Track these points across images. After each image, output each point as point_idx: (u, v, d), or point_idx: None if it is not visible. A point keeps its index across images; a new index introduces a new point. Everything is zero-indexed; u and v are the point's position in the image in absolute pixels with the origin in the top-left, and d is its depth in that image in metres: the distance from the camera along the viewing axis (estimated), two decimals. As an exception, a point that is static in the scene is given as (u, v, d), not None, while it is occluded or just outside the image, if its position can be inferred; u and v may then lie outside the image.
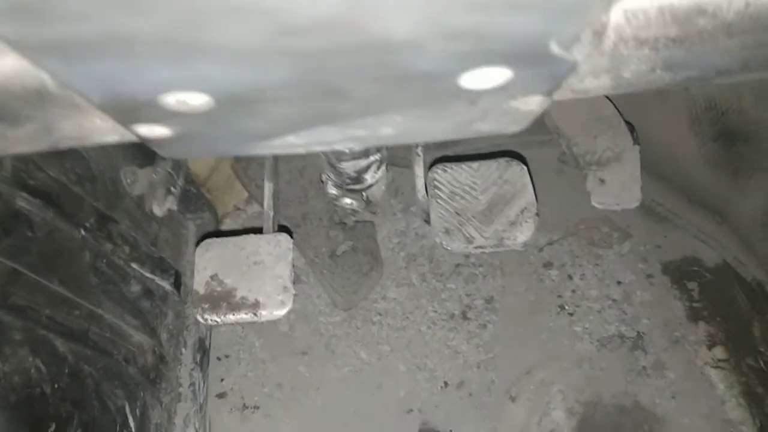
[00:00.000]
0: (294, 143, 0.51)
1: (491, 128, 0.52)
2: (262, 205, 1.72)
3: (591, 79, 0.54)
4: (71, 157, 1.20)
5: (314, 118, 0.46)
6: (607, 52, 0.48)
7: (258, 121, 0.45)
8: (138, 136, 0.46)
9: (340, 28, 0.32)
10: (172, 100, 0.39)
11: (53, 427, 0.98)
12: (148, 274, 1.36)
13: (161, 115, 0.42)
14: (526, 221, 1.21)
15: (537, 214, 1.22)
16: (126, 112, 0.41)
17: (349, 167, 1.11)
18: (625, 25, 0.46)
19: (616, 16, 0.45)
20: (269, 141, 0.50)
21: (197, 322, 1.52)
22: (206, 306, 1.10)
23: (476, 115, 0.48)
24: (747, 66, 0.53)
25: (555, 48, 0.37)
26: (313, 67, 0.36)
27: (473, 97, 0.44)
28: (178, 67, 0.34)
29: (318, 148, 0.55)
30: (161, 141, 0.47)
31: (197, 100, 0.39)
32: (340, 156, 1.06)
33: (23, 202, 1.05)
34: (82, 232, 1.17)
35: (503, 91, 0.43)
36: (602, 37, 0.43)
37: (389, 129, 0.50)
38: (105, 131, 0.53)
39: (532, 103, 0.48)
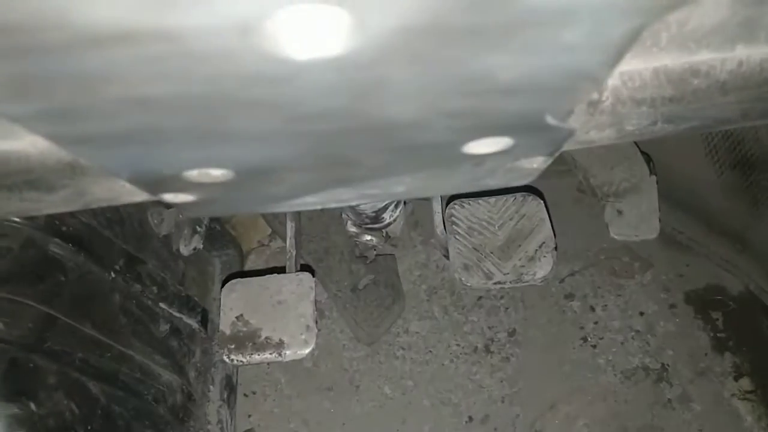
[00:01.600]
0: (311, 202, 0.53)
1: (500, 182, 0.54)
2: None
3: (595, 132, 0.56)
4: (101, 202, 1.24)
5: (329, 182, 0.49)
6: (607, 110, 0.50)
7: (276, 186, 0.48)
8: (164, 201, 0.49)
9: (347, 116, 0.34)
10: (195, 173, 0.42)
11: (86, 468, 1.00)
12: (176, 313, 1.40)
13: (185, 186, 0.45)
14: (544, 256, 1.22)
15: (555, 249, 1.24)
16: (152, 184, 0.44)
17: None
18: (622, 88, 0.48)
19: (612, 79, 0.47)
20: (287, 201, 0.53)
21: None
22: (232, 347, 1.13)
23: (483, 173, 0.51)
24: (747, 116, 0.55)
25: (551, 120, 0.39)
26: (324, 143, 0.39)
27: (478, 160, 0.46)
28: (199, 149, 0.37)
29: (334, 205, 0.57)
30: (186, 205, 0.50)
31: (218, 172, 0.42)
32: (358, 200, 1.09)
33: (56, 247, 1.09)
34: (112, 274, 1.21)
35: (507, 154, 0.46)
36: (597, 105, 0.45)
37: (401, 187, 0.53)
38: (134, 193, 0.56)
39: (537, 162, 0.50)
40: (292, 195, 0.51)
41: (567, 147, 0.59)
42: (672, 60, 0.48)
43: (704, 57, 0.47)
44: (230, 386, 1.54)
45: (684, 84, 0.49)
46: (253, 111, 0.32)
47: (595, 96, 0.44)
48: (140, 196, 0.58)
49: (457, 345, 1.64)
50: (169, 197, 0.48)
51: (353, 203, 0.55)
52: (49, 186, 0.51)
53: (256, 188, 0.48)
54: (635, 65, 0.47)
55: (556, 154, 0.50)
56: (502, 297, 1.71)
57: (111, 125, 0.32)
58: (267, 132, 0.36)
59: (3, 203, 0.53)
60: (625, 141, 0.59)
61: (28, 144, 0.45)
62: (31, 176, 0.48)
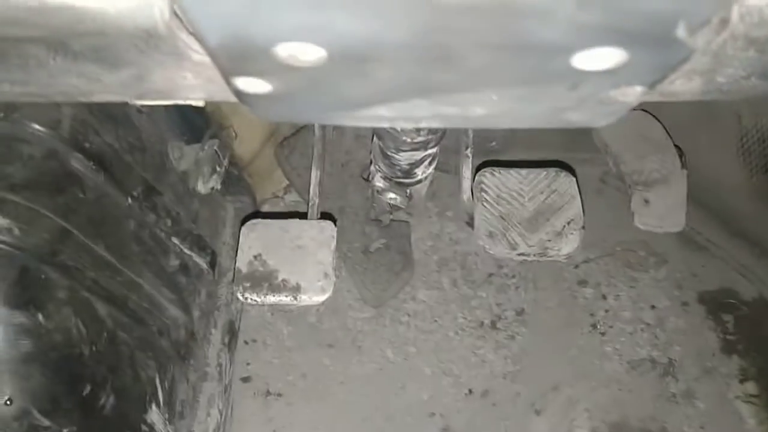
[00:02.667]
0: (383, 115, 0.50)
1: (581, 119, 0.52)
2: (300, 194, 1.73)
3: (682, 81, 0.53)
4: (124, 125, 1.21)
5: (413, 88, 0.46)
6: (712, 50, 0.48)
7: (359, 86, 0.45)
8: (235, 90, 0.46)
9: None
10: (285, 52, 0.39)
11: (88, 389, 0.98)
12: (187, 250, 1.37)
13: (268, 68, 0.42)
14: (572, 233, 1.20)
15: (583, 227, 1.21)
16: (235, 59, 0.41)
17: (404, 158, 1.11)
18: (739, 22, 0.45)
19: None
20: (360, 111, 0.50)
21: (228, 304, 1.53)
22: (248, 285, 1.10)
23: (572, 102, 0.48)
24: None
25: (681, 31, 0.37)
26: (436, 25, 0.36)
27: (578, 79, 0.44)
28: (307, 11, 0.34)
29: (403, 124, 0.55)
30: (257, 98, 0.47)
31: (309, 54, 0.39)
32: (399, 146, 1.06)
33: (77, 163, 1.06)
34: (129, 200, 1.18)
35: (610, 76, 0.43)
36: (727, 25, 0.42)
37: (480, 109, 0.50)
38: (193, 88, 0.53)
39: (631, 95, 0.47)
40: (369, 101, 0.48)
41: (648, 98, 0.56)
42: (797, -1, 0.45)
43: (831, 0, 0.45)
44: (232, 331, 1.52)
45: (803, 27, 0.46)
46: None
47: (728, 11, 0.41)
48: (199, 93, 0.55)
49: (464, 318, 1.62)
50: (243, 84, 0.45)
51: (424, 123, 0.52)
52: (114, 59, 0.48)
53: (338, 84, 0.45)
54: (757, 1, 0.45)
55: (655, 88, 0.48)
56: (513, 276, 1.69)
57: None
58: (384, -3, 0.33)
59: (59, 76, 0.50)
60: (706, 98, 0.56)
61: (107, 2, 0.42)
62: (101, 41, 0.45)
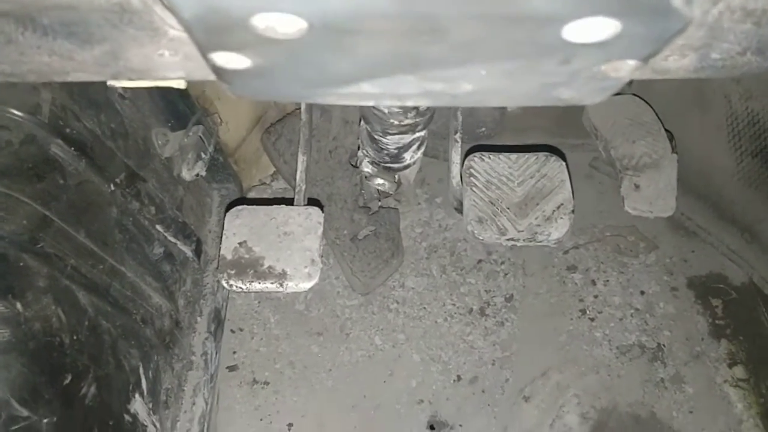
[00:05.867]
0: (367, 92, 0.49)
1: (572, 96, 0.50)
2: (287, 180, 1.71)
3: (676, 58, 0.52)
4: (106, 111, 1.19)
5: (399, 62, 0.44)
6: (708, 23, 0.46)
7: (341, 60, 0.43)
8: (213, 66, 0.44)
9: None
10: (263, 23, 0.37)
11: (69, 378, 0.96)
12: (171, 238, 1.35)
13: (246, 41, 0.40)
14: (561, 218, 1.18)
15: (573, 212, 1.20)
16: (212, 32, 0.39)
17: (392, 142, 1.09)
18: (736, -6, 0.44)
19: (727, -16, 0.43)
20: (343, 87, 0.48)
21: (214, 292, 1.51)
22: (232, 272, 1.08)
23: (563, 77, 0.46)
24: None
25: (678, -1, 0.35)
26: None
27: (569, 53, 0.42)
28: (285, -23, 0.32)
29: (389, 102, 0.53)
30: (235, 74, 0.45)
31: (289, 25, 0.37)
32: (387, 129, 1.04)
33: (57, 149, 1.03)
34: (112, 187, 1.15)
35: (602, 49, 0.41)
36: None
37: (468, 85, 0.48)
38: (171, 66, 0.51)
39: (624, 69, 0.46)
40: (352, 77, 0.46)
41: (641, 75, 0.54)
42: (793, -29, 0.43)
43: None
44: (218, 320, 1.50)
45: (801, -1, 0.44)
46: None
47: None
48: (177, 71, 0.53)
49: (453, 305, 1.61)
50: (221, 59, 0.43)
51: (410, 102, 0.51)
52: (86, 35, 0.46)
53: (320, 59, 0.43)
54: (754, -29, 0.43)
55: (648, 64, 0.46)
56: (502, 262, 1.68)
57: None
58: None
59: (30, 53, 0.48)
60: (700, 76, 0.55)
61: (77, -26, 0.40)
62: (72, 16, 0.43)
